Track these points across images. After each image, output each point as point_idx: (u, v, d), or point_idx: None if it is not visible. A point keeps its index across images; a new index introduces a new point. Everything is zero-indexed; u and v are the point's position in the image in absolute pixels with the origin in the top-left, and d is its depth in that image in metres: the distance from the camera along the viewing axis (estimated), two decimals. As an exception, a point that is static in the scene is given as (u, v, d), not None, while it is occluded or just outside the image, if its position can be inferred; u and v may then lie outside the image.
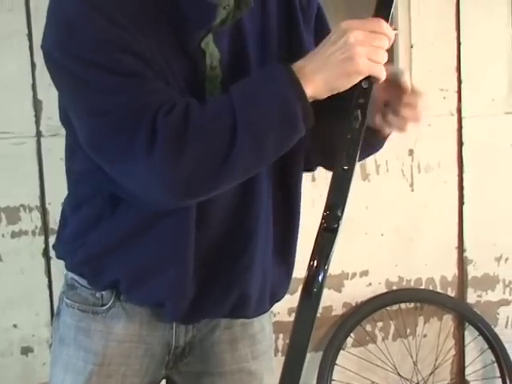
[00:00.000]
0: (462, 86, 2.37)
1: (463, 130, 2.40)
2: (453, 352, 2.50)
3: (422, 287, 2.45)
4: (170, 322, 1.16)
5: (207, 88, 1.04)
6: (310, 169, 1.22)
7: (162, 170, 0.93)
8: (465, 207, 2.44)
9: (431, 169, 2.40)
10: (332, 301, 2.35)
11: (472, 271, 2.48)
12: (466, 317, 2.46)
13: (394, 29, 0.99)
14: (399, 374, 2.43)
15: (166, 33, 1.00)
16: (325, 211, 0.96)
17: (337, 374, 2.34)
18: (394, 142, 2.43)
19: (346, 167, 0.94)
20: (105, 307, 1.15)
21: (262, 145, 0.93)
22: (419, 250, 2.42)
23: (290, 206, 1.18)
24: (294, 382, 0.98)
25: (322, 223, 0.95)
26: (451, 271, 2.47)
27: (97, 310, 1.15)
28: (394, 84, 1.05)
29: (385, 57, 0.95)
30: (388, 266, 2.41)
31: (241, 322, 1.22)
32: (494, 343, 2.42)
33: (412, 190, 2.40)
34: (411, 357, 2.44)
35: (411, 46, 2.32)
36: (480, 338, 2.45)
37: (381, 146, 1.15)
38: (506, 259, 2.49)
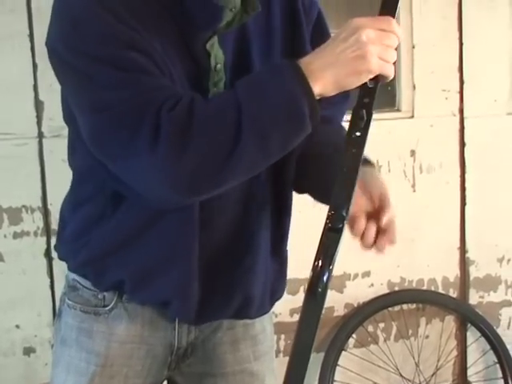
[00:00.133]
0: (464, 86, 2.37)
1: (465, 131, 2.40)
2: (455, 353, 2.50)
3: (424, 288, 2.45)
4: (179, 321, 1.16)
5: (210, 89, 1.04)
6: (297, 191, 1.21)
7: (165, 166, 0.92)
8: (467, 208, 2.43)
9: (433, 169, 2.39)
10: (334, 301, 2.35)
11: (474, 272, 2.48)
12: (468, 318, 2.46)
13: None
14: (401, 375, 2.42)
15: (171, 32, 1.00)
16: (329, 211, 0.95)
17: (339, 374, 2.34)
18: (396, 143, 2.45)
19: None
20: (107, 308, 1.15)
21: (267, 141, 0.92)
22: (421, 250, 2.42)
23: (285, 208, 1.19)
24: (298, 382, 0.98)
25: (326, 223, 0.95)
26: (453, 272, 2.47)
27: (99, 311, 1.15)
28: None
29: (394, 56, 0.94)
30: (390, 266, 2.40)
31: (242, 322, 1.22)
32: (496, 344, 2.42)
33: (414, 191, 2.40)
34: (413, 358, 2.44)
35: (413, 47, 2.32)
36: (482, 338, 2.45)
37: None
38: (508, 260, 2.49)
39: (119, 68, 0.93)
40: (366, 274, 2.39)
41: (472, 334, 2.49)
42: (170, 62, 0.98)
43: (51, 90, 1.93)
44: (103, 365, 1.15)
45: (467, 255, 2.46)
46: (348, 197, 0.94)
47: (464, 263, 2.47)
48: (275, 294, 1.23)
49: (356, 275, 2.38)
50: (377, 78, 0.94)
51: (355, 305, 2.40)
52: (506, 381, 2.42)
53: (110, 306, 1.15)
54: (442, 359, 2.47)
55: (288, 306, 2.25)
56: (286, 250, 1.24)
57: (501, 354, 2.42)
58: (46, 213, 2.08)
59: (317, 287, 0.93)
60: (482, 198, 2.43)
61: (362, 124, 0.94)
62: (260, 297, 1.18)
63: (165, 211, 1.06)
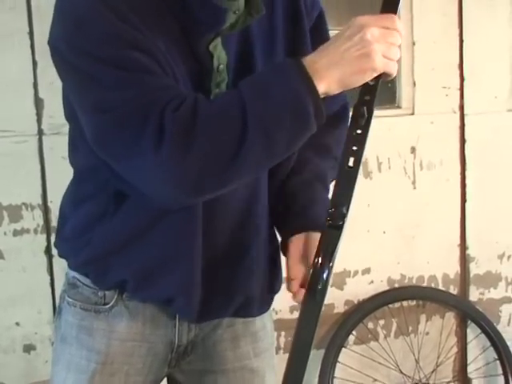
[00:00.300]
0: (465, 83, 2.37)
1: (466, 128, 2.40)
2: (455, 349, 2.50)
3: (424, 285, 2.45)
4: (181, 319, 1.16)
5: (212, 90, 1.04)
6: None
7: (169, 166, 0.91)
8: (467, 205, 2.43)
9: (433, 166, 2.39)
10: (334, 298, 2.35)
11: (474, 269, 2.48)
12: (469, 314, 2.46)
13: None
14: (401, 372, 2.43)
15: (174, 32, 0.99)
16: (330, 208, 0.95)
17: (339, 371, 2.34)
18: (397, 140, 2.45)
19: (351, 165, 0.94)
20: (107, 306, 1.15)
21: (272, 140, 0.91)
22: (421, 247, 2.42)
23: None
24: (297, 379, 0.98)
25: (327, 220, 0.95)
26: (453, 269, 2.47)
27: (99, 309, 1.15)
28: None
29: (398, 54, 0.94)
30: (390, 263, 2.40)
31: (242, 320, 1.22)
32: (496, 341, 2.42)
33: (414, 188, 2.40)
34: (413, 354, 2.44)
35: (413, 44, 2.32)
36: (482, 335, 2.45)
37: None
38: (509, 257, 2.49)
39: (122, 68, 0.92)
40: (366, 271, 2.39)
41: (472, 331, 2.49)
42: (172, 62, 0.98)
43: (51, 88, 1.93)
44: (104, 362, 1.15)
45: (467, 252, 2.46)
46: (348, 194, 0.94)
47: (464, 260, 2.47)
48: (272, 291, 1.24)
49: (356, 272, 2.38)
50: (379, 76, 0.94)
51: (355, 302, 2.40)
52: (506, 377, 2.42)
53: (110, 304, 1.14)
54: (442, 356, 2.47)
55: (288, 302, 2.24)
56: (279, 246, 1.24)
57: (501, 350, 2.42)
58: (46, 210, 2.08)
59: (317, 285, 0.93)
60: (483, 194, 2.43)
61: (362, 121, 0.94)
62: (260, 295, 1.19)
63: (168, 210, 1.05)
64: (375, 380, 2.42)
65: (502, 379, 2.44)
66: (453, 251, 2.46)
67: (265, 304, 1.23)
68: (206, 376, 1.23)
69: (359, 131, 0.95)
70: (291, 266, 1.09)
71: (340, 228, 0.94)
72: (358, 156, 0.94)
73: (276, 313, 2.23)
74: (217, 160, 0.91)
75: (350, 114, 0.98)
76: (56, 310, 1.25)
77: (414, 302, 2.46)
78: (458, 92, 2.38)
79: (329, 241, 0.94)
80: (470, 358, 2.51)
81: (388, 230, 2.38)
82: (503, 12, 2.37)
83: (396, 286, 2.43)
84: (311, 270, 0.97)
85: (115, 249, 1.11)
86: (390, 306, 2.42)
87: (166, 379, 1.27)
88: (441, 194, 2.41)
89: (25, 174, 2.06)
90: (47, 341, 2.11)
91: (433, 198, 2.40)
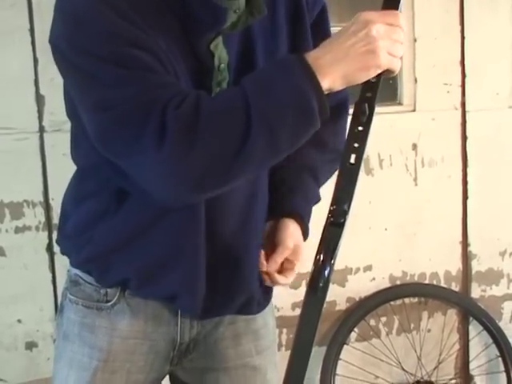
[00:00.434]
0: (466, 80, 2.37)
1: (467, 125, 2.39)
2: (457, 347, 2.50)
3: (426, 282, 2.45)
4: (183, 316, 1.16)
5: (213, 89, 1.03)
6: None
7: (171, 164, 0.90)
8: (469, 202, 2.43)
9: (435, 163, 2.39)
10: (336, 296, 2.35)
11: (476, 266, 2.47)
12: (470, 311, 2.46)
13: None
14: (403, 369, 2.43)
15: (175, 31, 0.99)
16: (331, 205, 0.95)
17: (341, 368, 2.34)
18: (398, 137, 2.45)
19: (352, 162, 0.94)
20: (109, 303, 1.15)
21: (276, 136, 0.90)
22: (423, 244, 2.42)
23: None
24: (299, 377, 0.98)
25: (328, 217, 0.95)
26: (455, 266, 2.46)
27: (101, 307, 1.15)
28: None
29: (401, 50, 0.94)
30: (392, 260, 2.40)
31: (244, 317, 1.22)
32: (498, 338, 2.42)
33: (416, 185, 2.39)
34: (415, 351, 2.44)
35: (415, 40, 2.32)
36: (484, 332, 2.45)
37: None
38: (511, 254, 2.49)
39: (123, 66, 0.92)
40: (368, 268, 2.39)
41: (474, 328, 2.49)
42: (173, 60, 0.97)
43: (52, 85, 1.92)
44: (106, 360, 1.15)
45: (469, 249, 2.46)
46: (350, 191, 0.94)
47: (466, 257, 2.47)
48: (271, 288, 1.24)
49: (358, 269, 2.38)
50: (381, 73, 0.93)
51: (357, 299, 2.40)
52: (508, 374, 2.42)
53: (112, 302, 1.14)
54: (444, 353, 2.47)
55: (290, 299, 2.26)
56: None
57: (503, 347, 2.42)
58: (47, 207, 2.08)
59: (318, 282, 0.93)
60: (484, 191, 2.43)
61: (364, 118, 0.94)
62: (260, 292, 1.19)
63: (170, 209, 1.05)
64: (377, 377, 2.42)
65: (504, 376, 2.44)
66: (454, 248, 2.45)
67: (264, 301, 1.23)
68: (208, 374, 1.23)
69: (361, 128, 0.94)
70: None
71: (341, 225, 0.94)
72: (360, 153, 0.94)
73: (278, 310, 2.23)
74: (220, 156, 0.90)
75: (351, 110, 0.98)
76: (58, 308, 1.25)
77: (416, 299, 2.46)
78: (460, 89, 2.38)
79: (330, 238, 0.94)
80: (471, 355, 2.51)
81: (390, 226, 2.38)
82: (505, 8, 2.37)
83: (398, 283, 2.43)
84: (312, 268, 0.97)
85: (117, 246, 1.11)
86: (392, 303, 2.42)
87: (167, 377, 1.27)
88: (442, 190, 2.41)
89: (26, 171, 2.06)
90: (49, 338, 2.11)
91: (434, 195, 2.40)
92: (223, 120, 0.90)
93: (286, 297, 2.23)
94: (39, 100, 2.04)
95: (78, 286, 1.17)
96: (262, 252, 1.15)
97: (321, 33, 1.14)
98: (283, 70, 0.91)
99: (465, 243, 2.46)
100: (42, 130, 2.06)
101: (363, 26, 0.91)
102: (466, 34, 2.35)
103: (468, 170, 2.42)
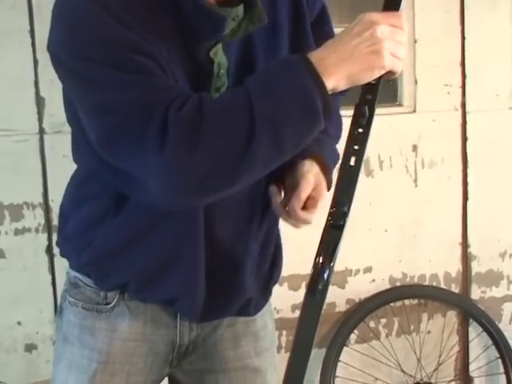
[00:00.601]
0: (467, 80, 2.36)
1: (467, 126, 2.39)
2: (457, 348, 2.50)
3: (426, 283, 2.45)
4: (183, 318, 1.16)
5: (212, 95, 1.02)
6: None
7: (173, 166, 0.89)
8: (469, 203, 2.43)
9: (435, 164, 2.39)
10: (335, 297, 2.35)
11: (476, 267, 2.47)
12: (470, 313, 2.46)
13: None
14: (403, 371, 2.42)
15: (175, 38, 0.98)
16: (331, 208, 0.95)
17: (340, 370, 2.34)
18: (398, 138, 2.45)
19: (352, 164, 0.94)
20: (109, 306, 1.15)
21: (281, 136, 0.89)
22: (423, 246, 2.41)
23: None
24: (298, 379, 0.98)
25: (328, 220, 0.95)
26: (455, 267, 2.46)
27: (101, 309, 1.15)
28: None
29: (404, 52, 0.94)
30: (392, 262, 2.40)
31: (243, 319, 1.22)
32: (498, 339, 2.42)
33: (416, 186, 2.39)
34: (415, 353, 2.44)
35: (415, 41, 2.31)
36: (484, 334, 2.45)
37: None
38: (511, 255, 2.49)
39: (123, 69, 0.91)
40: (368, 270, 2.38)
41: (474, 330, 2.48)
42: (172, 65, 0.97)
43: (52, 86, 1.92)
44: (105, 362, 1.15)
45: (469, 250, 2.46)
46: (350, 193, 0.94)
47: (466, 258, 2.46)
48: (270, 290, 1.24)
49: (358, 271, 2.37)
50: (383, 74, 0.93)
51: (357, 300, 2.39)
52: (507, 376, 2.42)
53: (112, 304, 1.14)
54: (444, 354, 2.46)
55: (290, 301, 2.26)
56: (280, 245, 1.24)
57: (503, 349, 2.42)
58: (47, 209, 2.08)
59: (317, 284, 0.93)
60: (484, 192, 2.43)
61: (364, 121, 0.94)
62: (259, 294, 1.20)
63: (169, 211, 1.04)
64: (377, 379, 2.42)
65: (503, 378, 2.43)
66: (454, 249, 2.45)
67: (263, 300, 1.23)
68: (207, 375, 1.23)
69: (361, 130, 0.94)
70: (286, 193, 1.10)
71: (341, 228, 0.94)
72: (360, 155, 0.94)
73: (277, 312, 2.23)
74: (224, 158, 0.89)
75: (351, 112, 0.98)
76: (57, 310, 1.24)
77: (416, 301, 2.45)
78: (460, 90, 2.37)
79: (330, 240, 0.94)
80: (471, 356, 2.50)
81: (389, 228, 2.38)
82: (505, 9, 2.37)
83: (398, 284, 2.42)
84: (312, 270, 0.97)
85: (117, 250, 1.11)
86: (392, 304, 2.42)
87: (167, 379, 1.27)
88: (442, 192, 2.41)
89: (26, 172, 2.06)
90: (49, 340, 2.11)
91: (434, 196, 2.40)
92: (227, 120, 0.89)
93: (286, 299, 2.23)
94: (39, 102, 2.04)
95: (77, 288, 1.17)
96: (274, 187, 1.10)
97: (323, 33, 1.13)
98: (287, 69, 0.90)
99: (465, 244, 2.45)
100: (41, 131, 2.06)
101: (368, 26, 0.91)
102: (466, 35, 2.35)
103: (468, 171, 2.42)
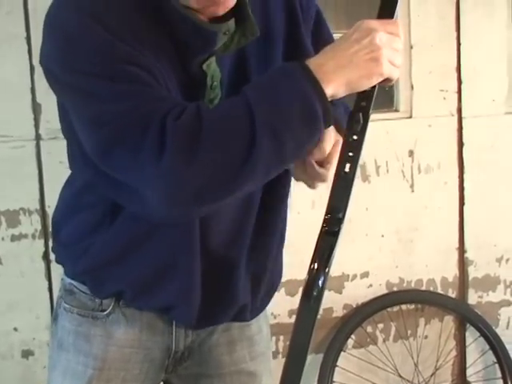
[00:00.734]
0: (462, 86, 2.37)
1: (463, 131, 2.40)
2: (454, 353, 2.50)
3: (423, 288, 2.45)
4: (179, 325, 1.16)
5: None
6: None
7: (170, 178, 0.87)
8: (465, 208, 2.43)
9: (431, 170, 2.39)
10: (332, 302, 2.34)
11: (473, 272, 2.47)
12: (467, 318, 2.46)
13: None
14: (400, 376, 2.42)
15: (168, 51, 0.98)
16: (326, 214, 0.95)
17: (338, 375, 2.33)
18: (394, 143, 2.45)
19: (347, 171, 0.94)
20: (105, 313, 1.15)
21: (281, 144, 0.88)
22: (420, 251, 2.41)
23: (271, 215, 1.17)
24: (294, 384, 0.98)
25: (323, 226, 0.94)
26: (452, 272, 2.46)
27: (96, 315, 1.15)
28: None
29: (401, 59, 0.94)
30: (388, 267, 2.40)
31: (238, 324, 1.22)
32: (495, 344, 2.42)
33: (412, 191, 2.39)
34: (412, 358, 2.44)
35: (411, 47, 2.32)
36: (481, 338, 2.45)
37: None
38: (507, 260, 2.49)
39: (117, 81, 0.90)
40: (365, 275, 2.38)
41: (471, 334, 2.48)
42: (166, 77, 0.96)
43: (48, 93, 1.88)
44: (101, 368, 1.15)
45: (466, 255, 2.46)
46: (345, 200, 0.94)
47: (463, 263, 2.46)
48: (270, 295, 1.24)
49: (355, 276, 2.37)
50: (380, 82, 0.93)
51: (354, 305, 2.39)
52: (505, 381, 2.42)
53: (107, 311, 1.15)
54: (441, 359, 2.46)
55: (287, 307, 2.25)
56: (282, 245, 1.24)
57: (500, 353, 2.41)
58: (43, 215, 2.08)
59: (312, 291, 0.93)
60: (481, 197, 2.43)
61: (358, 128, 0.94)
62: (255, 300, 1.20)
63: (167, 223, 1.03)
64: (374, 384, 2.42)
65: (501, 382, 2.43)
66: (451, 254, 2.45)
67: (261, 306, 1.23)
68: (203, 380, 1.23)
69: (355, 137, 0.94)
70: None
71: (336, 234, 0.94)
72: (354, 162, 0.94)
73: (274, 317, 2.22)
74: (225, 165, 0.88)
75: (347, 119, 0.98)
76: (52, 316, 1.24)
77: (413, 306, 2.45)
78: (456, 95, 2.38)
79: (324, 247, 0.94)
80: (468, 361, 2.50)
81: (386, 233, 2.38)
82: (501, 15, 2.37)
83: (395, 289, 2.42)
84: (307, 276, 0.97)
85: (112, 259, 1.10)
86: (389, 309, 2.42)
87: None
88: (439, 197, 2.41)
89: (22, 179, 2.05)
90: (45, 346, 2.10)
91: (431, 202, 2.40)
92: (227, 128, 0.88)
93: (283, 304, 2.22)
94: (36, 108, 2.04)
95: (72, 294, 1.17)
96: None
97: (322, 36, 1.14)
98: (285, 76, 0.90)
99: (461, 249, 2.46)
100: (38, 137, 2.06)
101: (366, 33, 0.91)
102: (462, 41, 2.35)
103: (464, 176, 2.42)
